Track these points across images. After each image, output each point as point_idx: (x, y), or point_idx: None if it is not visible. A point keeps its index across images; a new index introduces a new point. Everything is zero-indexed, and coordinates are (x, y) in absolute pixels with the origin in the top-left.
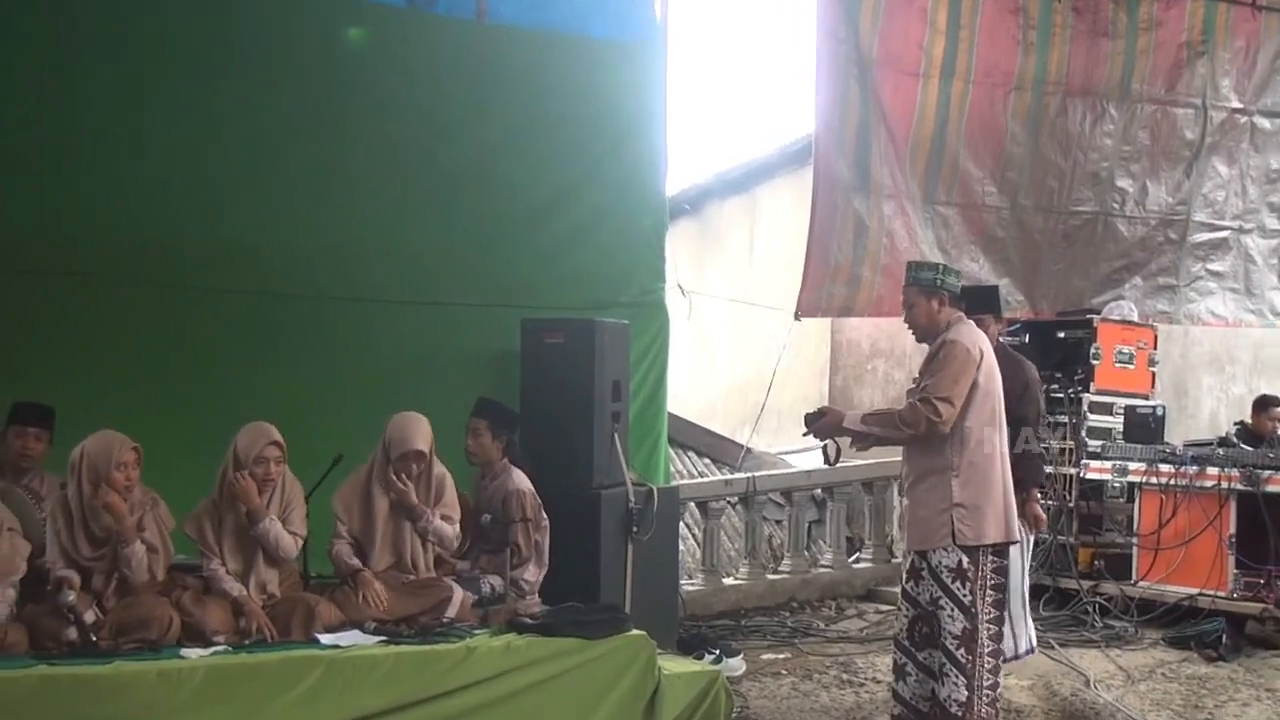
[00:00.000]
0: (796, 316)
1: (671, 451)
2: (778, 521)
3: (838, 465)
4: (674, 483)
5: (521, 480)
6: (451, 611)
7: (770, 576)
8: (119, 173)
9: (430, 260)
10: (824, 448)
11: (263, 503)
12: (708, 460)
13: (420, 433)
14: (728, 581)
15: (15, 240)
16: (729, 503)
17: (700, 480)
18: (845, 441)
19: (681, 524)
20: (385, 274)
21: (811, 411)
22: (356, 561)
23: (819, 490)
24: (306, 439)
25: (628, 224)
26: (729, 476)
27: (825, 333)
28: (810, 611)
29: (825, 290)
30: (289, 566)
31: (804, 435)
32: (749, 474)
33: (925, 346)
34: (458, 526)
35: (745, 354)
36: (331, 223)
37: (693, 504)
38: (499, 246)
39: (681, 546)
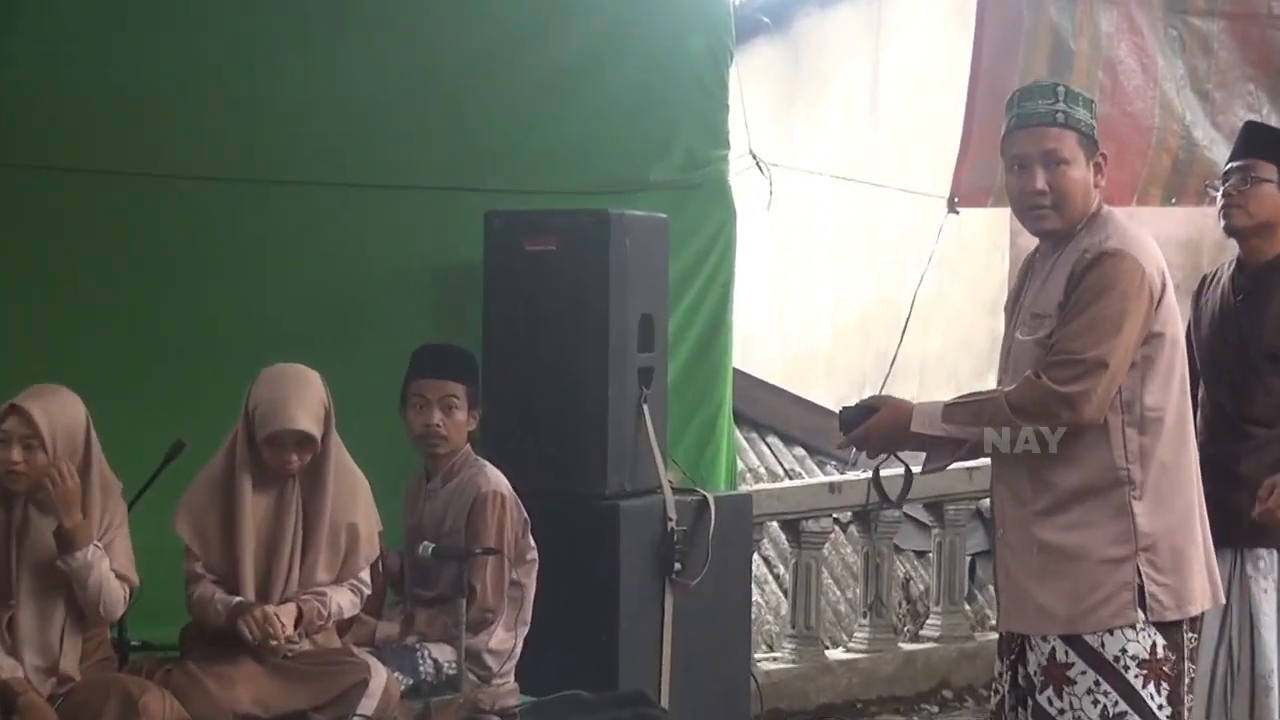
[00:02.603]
0: (952, 206)
1: (741, 436)
2: (920, 554)
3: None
4: (744, 488)
5: (497, 480)
6: (368, 706)
7: (907, 647)
8: None
9: (348, 117)
10: (875, 473)
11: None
12: (801, 451)
13: (304, 401)
14: (835, 655)
15: None
16: (838, 522)
17: (789, 485)
18: (911, 456)
19: (758, 557)
20: (301, 142)
21: (852, 406)
22: (234, 598)
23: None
24: (141, 410)
25: (664, 48)
26: (836, 478)
27: (1001, 235)
28: (975, 706)
29: (996, 165)
30: (98, 630)
31: (840, 449)
32: (870, 471)
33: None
34: (366, 576)
35: (864, 270)
36: (254, 77)
37: (775, 524)
38: (453, 92)
39: (757, 594)
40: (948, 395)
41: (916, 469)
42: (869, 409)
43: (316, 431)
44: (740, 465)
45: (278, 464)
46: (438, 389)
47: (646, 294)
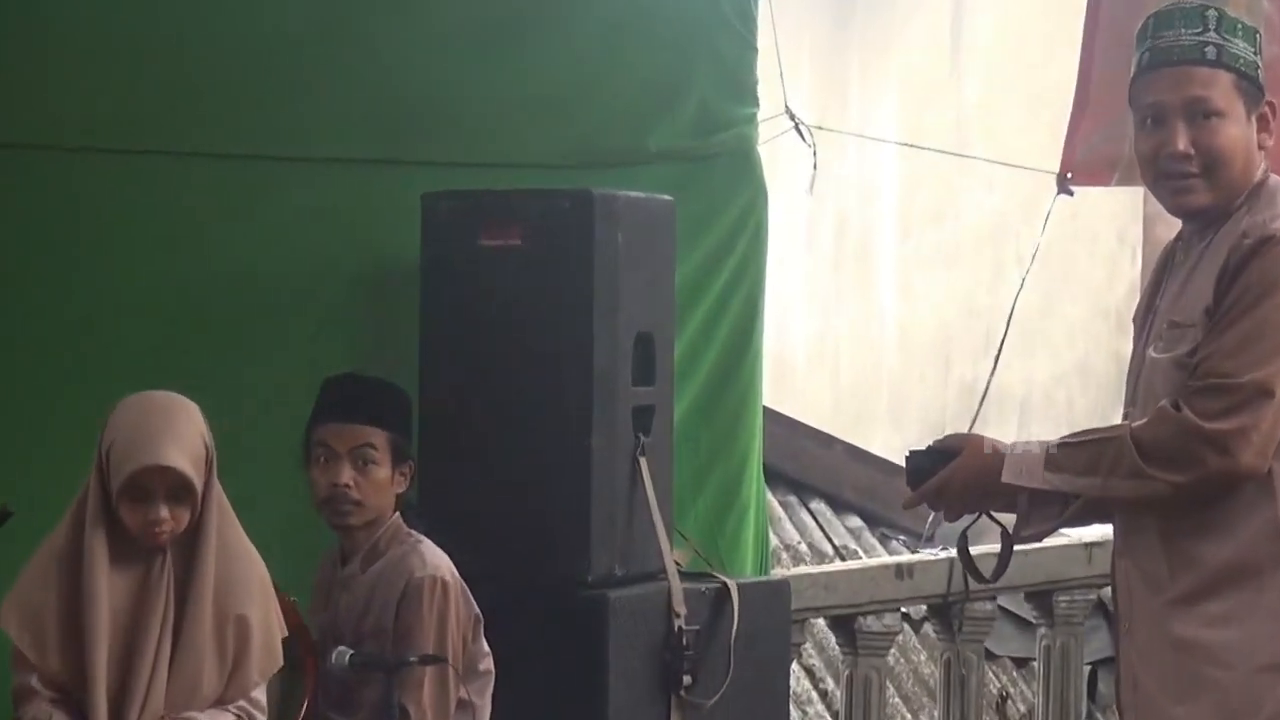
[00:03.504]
0: (1064, 185)
1: (775, 501)
2: (1021, 662)
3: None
4: (780, 572)
5: (437, 562)
6: None
7: None
8: None
9: (229, 66)
10: (962, 538)
11: None
12: (857, 521)
13: (177, 435)
14: None
15: None
16: (907, 618)
17: (841, 567)
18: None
19: (798, 666)
20: (167, 99)
21: (923, 450)
22: None
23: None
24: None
25: None
26: (906, 558)
27: (1130, 223)
28: None
29: (1124, 130)
30: None
31: (908, 508)
32: (951, 551)
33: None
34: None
35: (943, 272)
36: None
37: (822, 621)
38: (374, 29)
39: (797, 718)
40: (1054, 436)
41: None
42: (946, 453)
43: (195, 477)
44: (774, 541)
45: (141, 527)
46: (349, 437)
47: (645, 305)
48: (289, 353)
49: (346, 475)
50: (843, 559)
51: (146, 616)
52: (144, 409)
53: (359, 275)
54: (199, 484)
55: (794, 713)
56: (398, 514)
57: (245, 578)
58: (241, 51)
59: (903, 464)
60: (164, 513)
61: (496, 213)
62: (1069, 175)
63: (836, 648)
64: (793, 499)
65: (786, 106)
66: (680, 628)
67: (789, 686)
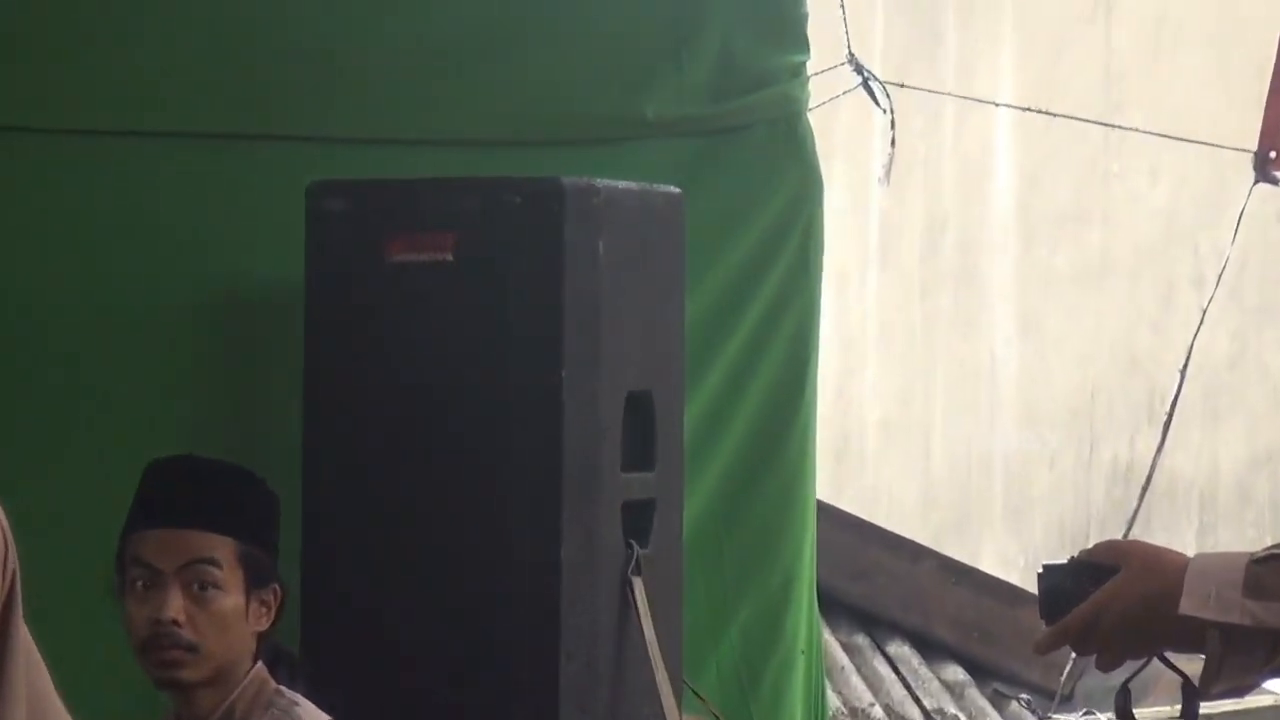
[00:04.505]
0: (1264, 170)
1: (835, 641)
2: None
3: None
4: None
5: None
6: None
7: None
8: None
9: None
10: (1122, 695)
11: None
12: (958, 672)
13: None
14: None
15: None
16: None
17: None
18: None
19: None
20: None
21: (1059, 565)
22: None
23: None
24: None
25: None
26: None
27: None
28: None
29: None
30: None
31: (1042, 651)
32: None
33: None
34: None
35: (1088, 293)
36: None
37: None
38: None
39: None
40: (1257, 545)
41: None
42: (1095, 570)
43: None
44: (834, 702)
45: None
46: (178, 549)
47: (639, 350)
48: (106, 419)
49: (175, 607)
50: None
51: None
52: None
53: (209, 303)
54: None
55: None
56: (260, 664)
57: None
58: None
59: (1030, 587)
60: None
61: (416, 212)
62: (1273, 155)
63: None
64: (862, 639)
65: (850, 54)
66: None
67: None
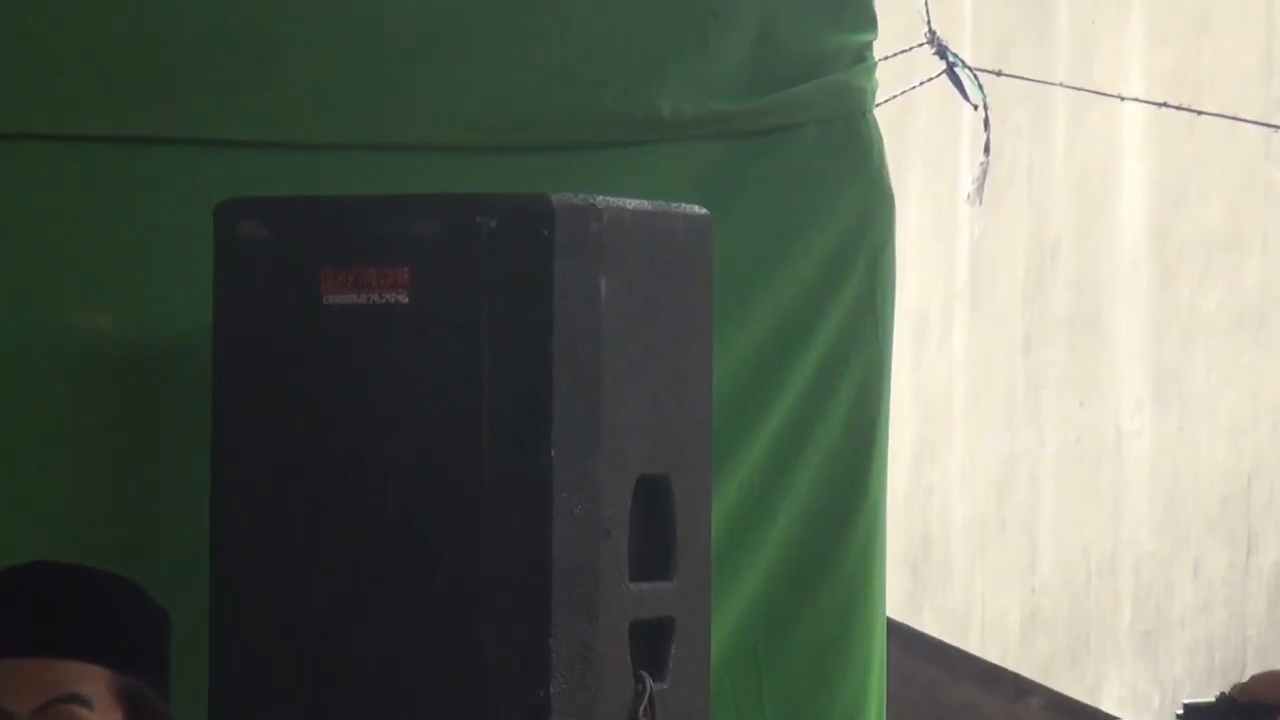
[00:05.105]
0: None
1: None
2: None
3: None
4: None
5: None
6: None
7: None
8: None
9: None
10: None
11: None
12: None
13: None
14: None
15: None
16: None
17: None
18: None
19: None
20: None
21: (1204, 703)
22: None
23: None
24: None
25: None
26: None
27: None
28: None
29: None
30: None
31: None
32: None
33: None
34: None
35: (1241, 347)
36: None
37: None
38: None
39: None
40: None
41: None
42: (1254, 713)
43: None
44: None
45: None
46: (34, 685)
47: (654, 421)
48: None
49: None
50: None
51: None
52: None
53: (95, 345)
54: None
55: None
56: None
57: None
58: None
59: None
60: None
61: (359, 239)
62: None
63: None
64: None
65: (931, 31)
66: None
67: None
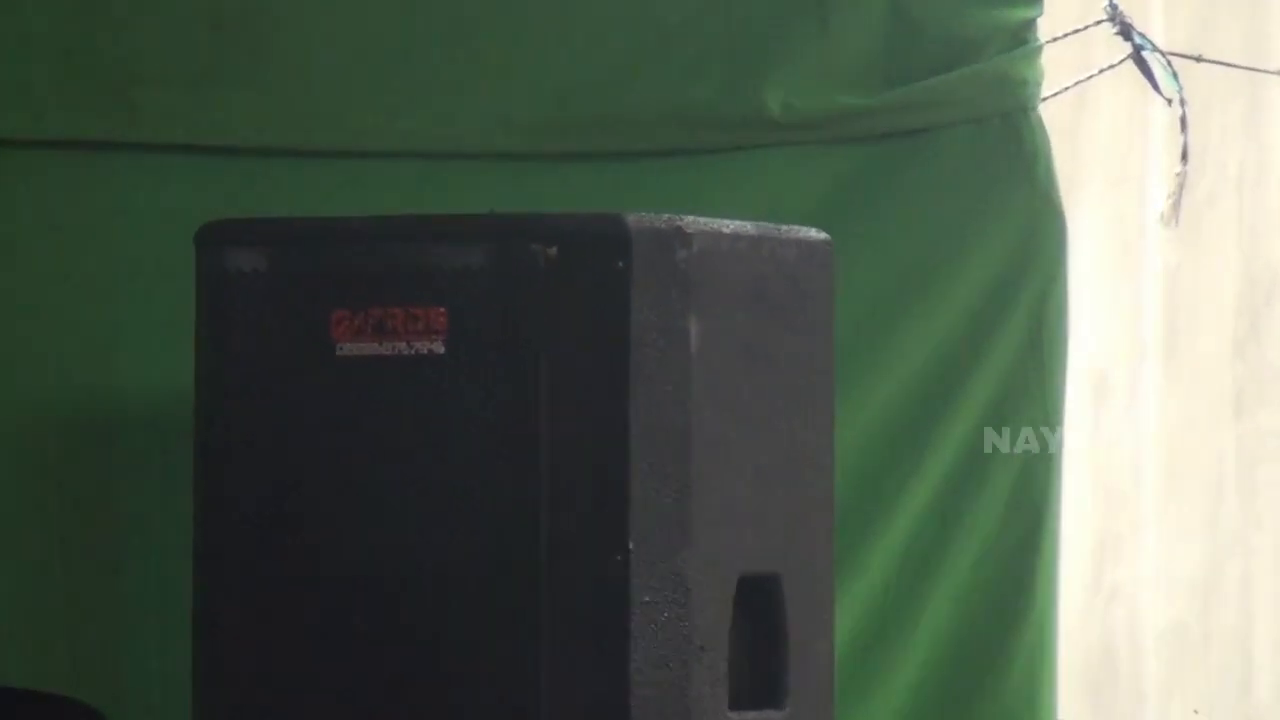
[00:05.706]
0: None
1: None
2: None
3: None
4: None
5: None
6: None
7: None
8: None
9: None
10: None
11: None
12: None
13: None
14: None
15: None
16: None
17: None
18: None
19: None
20: None
21: None
22: None
23: None
24: None
25: None
26: None
27: None
28: None
29: None
30: None
31: None
32: None
33: None
34: None
35: None
36: None
37: None
38: None
39: None
40: None
41: None
42: None
43: None
44: None
45: None
46: None
47: (761, 506)
48: None
49: None
50: None
51: None
52: None
53: (57, 400)
54: None
55: None
56: None
57: None
58: None
59: None
60: None
61: (380, 273)
62: None
63: None
64: None
65: (1113, 5)
66: None
67: None
